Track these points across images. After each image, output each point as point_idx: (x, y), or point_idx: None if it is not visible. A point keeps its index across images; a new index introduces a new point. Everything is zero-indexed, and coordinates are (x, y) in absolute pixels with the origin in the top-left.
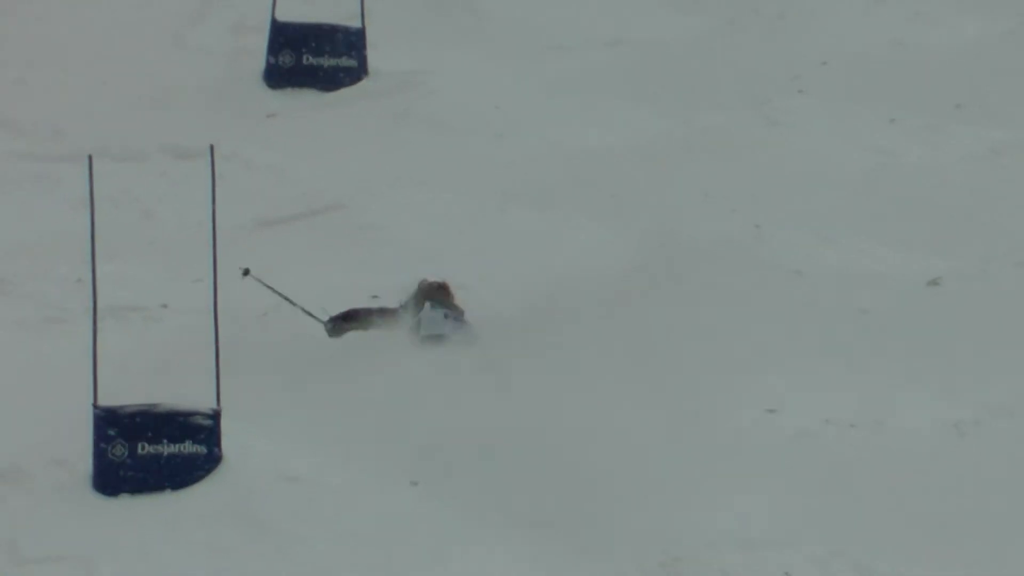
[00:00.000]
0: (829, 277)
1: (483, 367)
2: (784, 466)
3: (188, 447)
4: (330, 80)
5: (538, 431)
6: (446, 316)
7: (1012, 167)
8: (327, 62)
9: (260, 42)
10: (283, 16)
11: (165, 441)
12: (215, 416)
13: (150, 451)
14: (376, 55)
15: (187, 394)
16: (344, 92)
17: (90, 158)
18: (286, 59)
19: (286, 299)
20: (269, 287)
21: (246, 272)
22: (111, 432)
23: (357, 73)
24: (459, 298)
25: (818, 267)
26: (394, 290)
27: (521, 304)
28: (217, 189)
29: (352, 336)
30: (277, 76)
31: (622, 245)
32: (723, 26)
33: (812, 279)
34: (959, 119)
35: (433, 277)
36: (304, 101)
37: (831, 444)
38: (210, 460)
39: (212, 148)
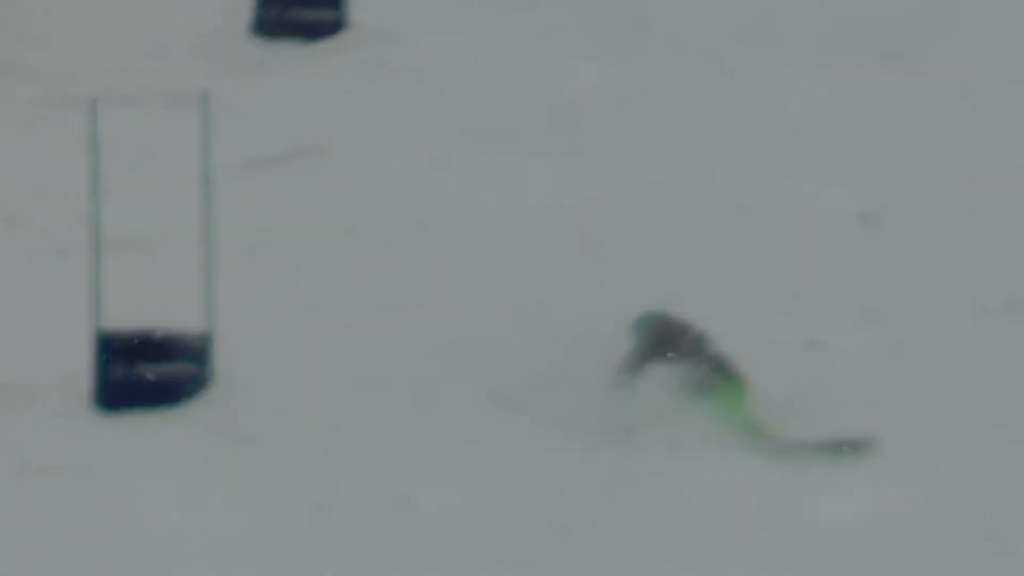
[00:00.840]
0: (770, 212)
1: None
2: None
3: (182, 368)
4: (315, 31)
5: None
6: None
7: (936, 111)
8: (310, 15)
9: None
10: None
11: (161, 362)
12: (207, 340)
13: (147, 372)
14: (356, 8)
15: (182, 319)
16: (325, 44)
17: (95, 103)
18: (273, 12)
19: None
20: None
21: None
22: (111, 354)
23: (338, 25)
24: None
25: (760, 202)
26: (369, 225)
27: (490, 237)
28: (210, 132)
29: (336, 264)
30: (264, 28)
31: (582, 183)
32: None
33: (755, 214)
34: (889, 68)
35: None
36: (288, 53)
37: (773, 363)
38: (202, 380)
39: (206, 95)
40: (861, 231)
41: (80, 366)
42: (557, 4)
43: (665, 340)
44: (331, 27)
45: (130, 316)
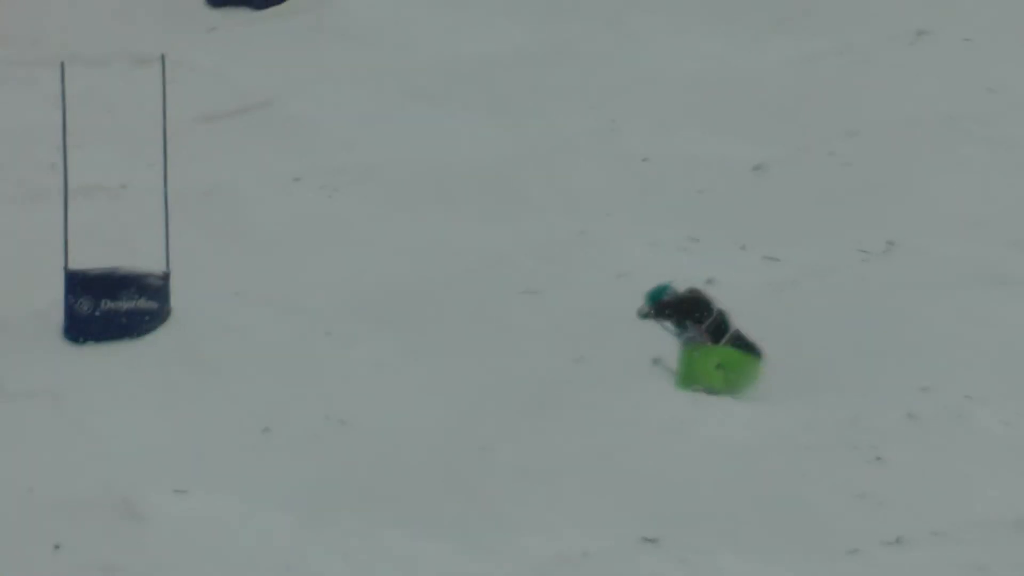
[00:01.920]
0: (672, 162)
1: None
2: (634, 317)
3: (143, 303)
4: (262, 0)
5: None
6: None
7: (823, 72)
8: None
9: None
10: None
11: (124, 298)
12: (166, 278)
13: (111, 306)
14: None
15: (142, 259)
16: (272, 10)
17: (62, 64)
18: None
19: None
20: None
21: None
22: (79, 290)
23: None
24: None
25: (663, 154)
26: (315, 171)
27: (421, 183)
28: (168, 89)
29: (283, 207)
30: None
31: (500, 136)
32: None
33: (658, 164)
34: (778, 31)
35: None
36: (239, 18)
37: None
38: (162, 314)
39: (163, 56)
40: (753, 179)
41: (51, 301)
42: None
43: (690, 314)
44: None
45: (96, 255)
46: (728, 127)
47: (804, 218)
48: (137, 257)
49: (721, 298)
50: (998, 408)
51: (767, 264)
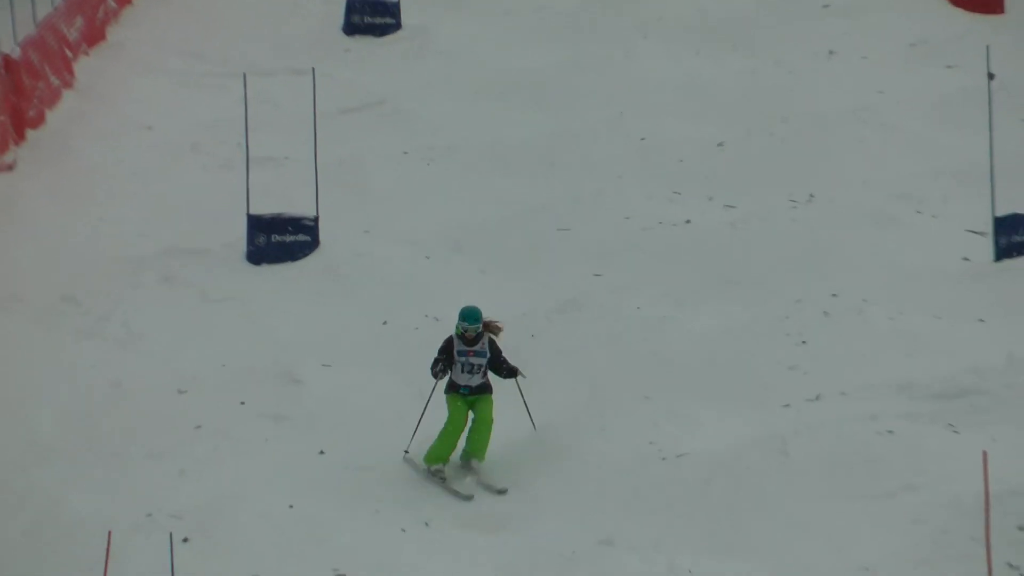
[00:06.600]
0: (661, 141)
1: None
2: (635, 246)
3: (300, 237)
4: (381, 30)
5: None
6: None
7: (764, 79)
8: (379, 20)
9: (340, 10)
10: None
11: (287, 233)
12: (315, 220)
13: (278, 239)
14: (406, 15)
15: (299, 207)
16: (388, 36)
17: (244, 75)
18: (355, 19)
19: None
20: None
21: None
22: (256, 229)
23: (395, 27)
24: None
25: (655, 135)
26: (416, 148)
27: (487, 155)
28: (316, 92)
29: (393, 173)
30: (350, 28)
31: (542, 122)
32: None
33: (652, 142)
34: (735, 52)
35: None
36: (366, 42)
37: (662, 235)
38: (313, 245)
39: (313, 69)
40: (717, 152)
41: (237, 236)
42: (526, 14)
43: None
44: (391, 27)
45: (268, 204)
46: (699, 116)
47: (752, 178)
48: (296, 206)
49: (694, 234)
50: (885, 308)
51: (727, 210)
